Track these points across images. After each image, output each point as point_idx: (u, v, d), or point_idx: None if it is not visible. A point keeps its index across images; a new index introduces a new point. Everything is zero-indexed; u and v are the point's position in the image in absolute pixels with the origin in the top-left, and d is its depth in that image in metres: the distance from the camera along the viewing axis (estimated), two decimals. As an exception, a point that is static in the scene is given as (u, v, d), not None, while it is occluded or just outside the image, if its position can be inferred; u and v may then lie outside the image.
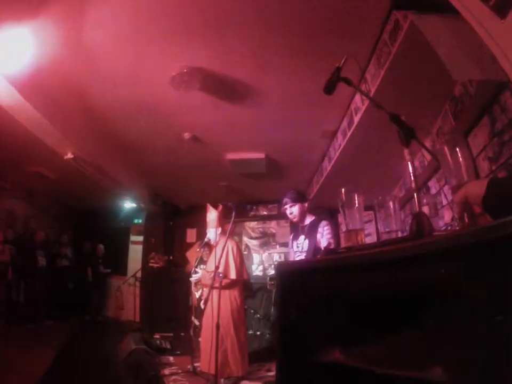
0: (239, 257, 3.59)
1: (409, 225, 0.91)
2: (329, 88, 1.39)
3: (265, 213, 7.79)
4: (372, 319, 0.82)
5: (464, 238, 0.61)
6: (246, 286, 4.29)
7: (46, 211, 7.62)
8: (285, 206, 2.96)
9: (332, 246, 2.60)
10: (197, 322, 4.24)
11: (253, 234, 7.78)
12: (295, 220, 2.94)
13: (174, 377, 3.83)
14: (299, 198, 2.94)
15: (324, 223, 2.75)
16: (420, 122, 3.03)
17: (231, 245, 3.50)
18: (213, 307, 3.00)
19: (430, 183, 3.84)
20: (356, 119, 3.49)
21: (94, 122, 4.21)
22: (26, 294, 6.27)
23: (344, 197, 1.16)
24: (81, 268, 7.48)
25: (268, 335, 4.97)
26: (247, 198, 7.37)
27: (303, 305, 0.98)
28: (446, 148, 0.89)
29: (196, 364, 3.91)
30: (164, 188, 6.93)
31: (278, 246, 7.61)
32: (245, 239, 7.75)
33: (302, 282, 0.99)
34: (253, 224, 7.83)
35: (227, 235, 3.22)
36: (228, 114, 4.00)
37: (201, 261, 4.39)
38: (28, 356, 4.03)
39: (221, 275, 3.11)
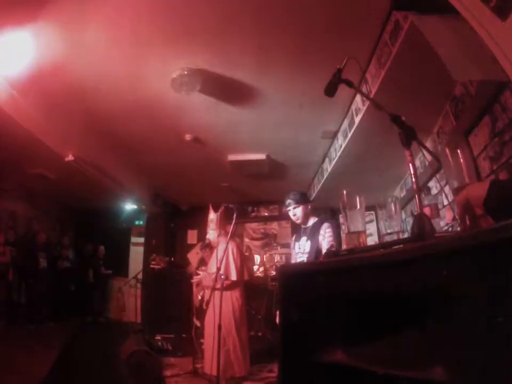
0: (239, 258, 3.59)
1: (411, 227, 0.92)
2: (330, 90, 1.39)
3: (266, 214, 7.79)
4: (372, 320, 0.82)
5: (466, 240, 0.61)
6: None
7: (47, 212, 7.63)
8: (288, 208, 2.89)
9: (334, 249, 2.59)
10: (198, 324, 4.23)
11: (254, 235, 7.78)
12: (298, 221, 2.87)
13: (175, 378, 3.83)
14: (302, 199, 2.87)
15: (326, 225, 2.73)
16: (421, 122, 3.03)
17: (231, 246, 3.50)
18: (215, 308, 3.00)
19: (431, 183, 3.85)
20: (357, 120, 3.49)
21: (94, 124, 4.21)
22: (27, 295, 6.28)
23: (346, 199, 1.16)
24: (82, 270, 7.49)
25: (269, 336, 4.97)
26: (248, 199, 7.37)
27: (304, 306, 0.98)
28: (447, 150, 0.89)
29: (198, 365, 3.91)
30: (164, 189, 6.94)
31: (279, 247, 7.61)
32: (246, 240, 7.75)
33: (304, 284, 0.99)
34: (254, 225, 7.83)
35: (228, 236, 3.22)
36: (229, 115, 4.00)
37: (203, 262, 4.39)
38: (29, 356, 4.03)
39: (222, 277, 3.11)
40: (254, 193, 6.99)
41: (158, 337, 5.33)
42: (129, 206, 7.51)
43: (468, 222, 0.79)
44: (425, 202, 3.48)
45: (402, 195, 5.06)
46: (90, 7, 2.50)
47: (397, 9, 2.41)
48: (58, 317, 6.50)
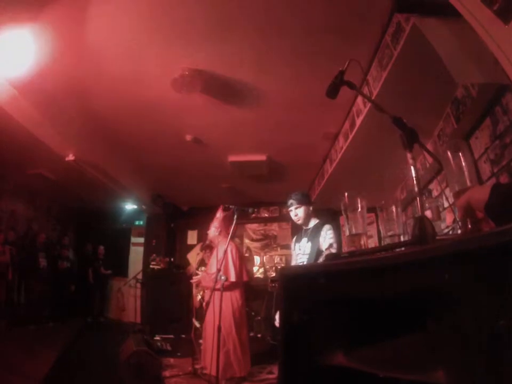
0: (238, 259, 3.59)
1: (412, 229, 0.91)
2: (332, 92, 1.38)
3: (266, 215, 7.78)
4: (374, 322, 0.82)
5: (468, 244, 0.61)
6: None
7: (48, 212, 7.64)
8: (290, 208, 2.88)
9: (332, 249, 2.59)
10: (197, 324, 4.23)
11: (254, 237, 7.78)
12: (299, 222, 2.86)
13: (174, 379, 3.83)
14: (304, 200, 2.86)
15: (327, 226, 2.72)
16: (422, 124, 3.02)
17: (230, 247, 3.50)
18: (215, 309, 3.00)
19: (432, 185, 3.84)
20: (358, 122, 3.49)
21: (95, 124, 4.22)
22: (27, 295, 6.28)
23: (347, 201, 1.16)
24: (82, 270, 7.50)
25: (268, 338, 4.97)
26: (249, 200, 7.37)
27: (305, 308, 0.98)
28: (449, 153, 0.89)
29: (197, 366, 3.90)
30: (165, 189, 6.93)
31: (279, 249, 7.60)
32: (246, 241, 7.75)
33: (305, 286, 0.99)
34: (254, 226, 7.83)
35: (228, 237, 3.22)
36: (230, 116, 4.00)
37: (202, 263, 4.39)
38: (29, 356, 4.04)
39: (223, 277, 3.11)
40: (254, 194, 6.98)
41: (158, 338, 5.33)
42: (129, 206, 7.52)
43: (469, 226, 0.79)
44: (426, 204, 3.48)
45: (402, 197, 5.06)
46: (90, 7, 2.51)
47: (399, 12, 2.41)
48: (58, 317, 6.50)
